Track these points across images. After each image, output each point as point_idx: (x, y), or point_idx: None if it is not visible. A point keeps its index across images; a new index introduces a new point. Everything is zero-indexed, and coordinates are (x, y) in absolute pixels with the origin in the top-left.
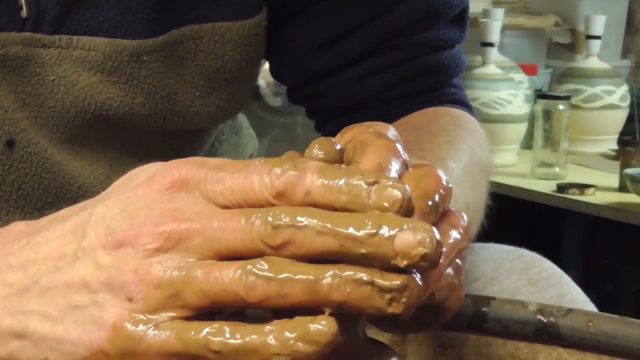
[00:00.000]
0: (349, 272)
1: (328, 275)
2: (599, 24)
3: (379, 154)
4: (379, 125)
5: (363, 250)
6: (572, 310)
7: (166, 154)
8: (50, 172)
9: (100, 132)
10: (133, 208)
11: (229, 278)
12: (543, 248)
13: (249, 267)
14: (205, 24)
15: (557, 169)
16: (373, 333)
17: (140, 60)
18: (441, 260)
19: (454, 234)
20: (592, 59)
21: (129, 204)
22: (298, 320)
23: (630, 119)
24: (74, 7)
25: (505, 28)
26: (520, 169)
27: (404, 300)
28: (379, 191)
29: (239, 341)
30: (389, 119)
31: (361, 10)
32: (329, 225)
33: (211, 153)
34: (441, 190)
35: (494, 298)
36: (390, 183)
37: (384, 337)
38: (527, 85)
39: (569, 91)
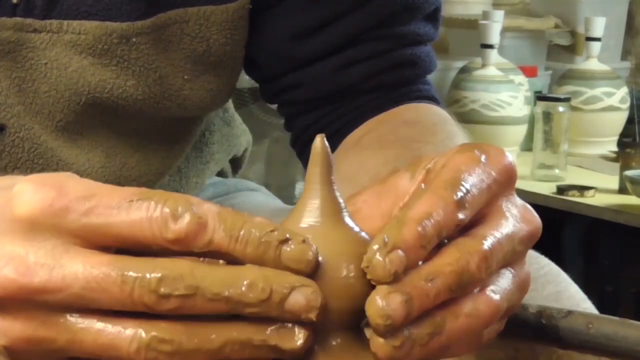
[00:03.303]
0: (245, 336)
1: (228, 343)
2: (598, 26)
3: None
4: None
5: (256, 310)
6: (572, 312)
7: (160, 143)
8: (43, 158)
9: (96, 119)
10: None
11: (126, 351)
12: (543, 249)
13: (146, 340)
14: (190, 7)
15: (557, 170)
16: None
17: (130, 43)
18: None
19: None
20: (592, 61)
21: None
22: None
23: (630, 121)
24: None
25: (505, 30)
26: (520, 171)
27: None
28: (288, 253)
29: None
30: (366, 112)
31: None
32: (221, 293)
33: (202, 143)
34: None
35: None
36: (301, 243)
37: None
38: (527, 87)
39: (568, 93)
